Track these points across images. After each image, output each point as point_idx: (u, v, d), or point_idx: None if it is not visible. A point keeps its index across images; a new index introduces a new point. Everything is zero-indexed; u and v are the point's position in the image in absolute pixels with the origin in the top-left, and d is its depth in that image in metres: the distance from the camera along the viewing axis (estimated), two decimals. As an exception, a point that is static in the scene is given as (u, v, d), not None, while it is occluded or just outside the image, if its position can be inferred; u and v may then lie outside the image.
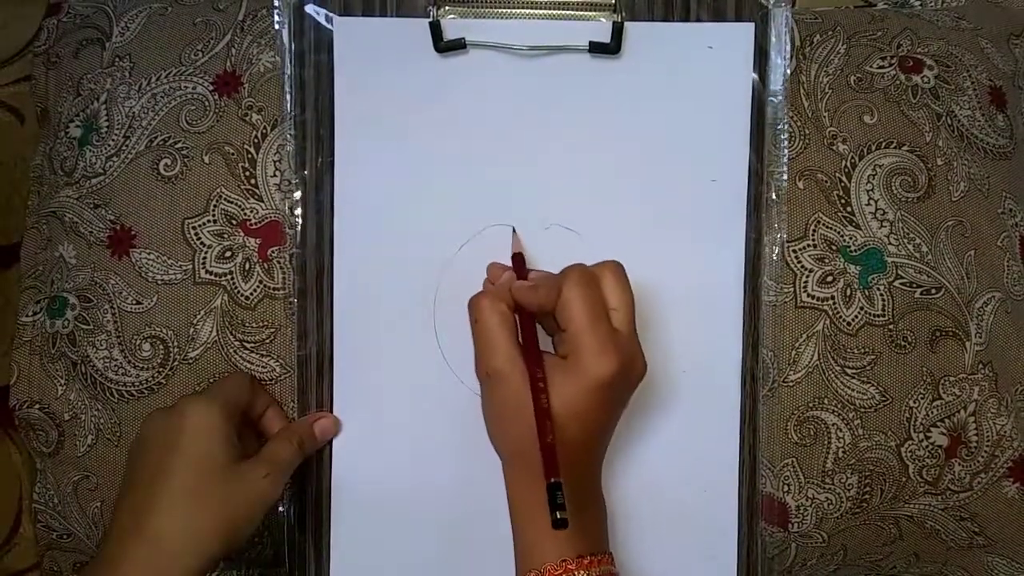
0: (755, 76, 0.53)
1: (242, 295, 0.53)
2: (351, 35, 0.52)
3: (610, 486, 0.52)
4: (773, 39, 0.53)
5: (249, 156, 0.53)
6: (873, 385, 0.53)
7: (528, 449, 0.43)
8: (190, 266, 0.53)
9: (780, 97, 0.53)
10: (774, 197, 0.53)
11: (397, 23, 0.52)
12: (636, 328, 0.45)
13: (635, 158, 0.53)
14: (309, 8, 0.52)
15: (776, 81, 0.53)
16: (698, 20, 0.53)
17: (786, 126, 0.53)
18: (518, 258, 0.50)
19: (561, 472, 0.41)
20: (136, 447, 0.47)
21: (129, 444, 0.53)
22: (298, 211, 0.53)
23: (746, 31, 0.52)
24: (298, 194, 0.52)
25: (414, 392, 0.53)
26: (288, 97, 0.52)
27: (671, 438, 0.53)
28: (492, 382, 0.45)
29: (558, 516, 0.41)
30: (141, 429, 0.47)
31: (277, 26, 0.52)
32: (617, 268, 0.46)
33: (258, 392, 0.51)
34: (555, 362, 0.44)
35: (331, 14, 0.52)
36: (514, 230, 0.52)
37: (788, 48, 0.53)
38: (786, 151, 0.53)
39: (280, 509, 0.53)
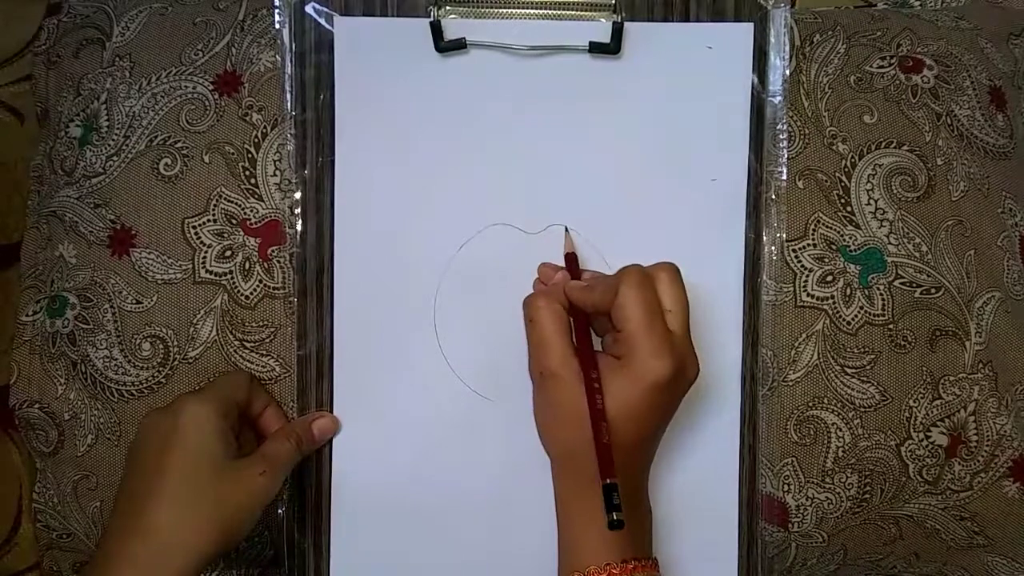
0: (754, 76, 0.53)
1: (242, 294, 0.53)
2: (351, 35, 0.52)
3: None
4: (772, 39, 0.53)
5: (249, 156, 0.53)
6: (873, 385, 0.53)
7: (579, 450, 0.43)
8: (190, 265, 0.53)
9: (779, 97, 0.53)
10: (773, 197, 0.53)
11: (397, 23, 0.52)
12: (690, 330, 0.45)
13: (635, 158, 0.53)
14: (310, 8, 0.52)
15: (775, 81, 0.53)
16: (698, 20, 0.53)
17: (785, 126, 0.53)
18: (571, 258, 0.50)
19: (615, 473, 0.41)
20: (133, 447, 0.47)
21: (129, 444, 0.53)
22: (298, 211, 0.53)
23: (745, 31, 0.53)
24: (298, 194, 0.53)
25: (414, 391, 0.53)
26: (288, 97, 0.52)
27: (671, 438, 0.53)
28: (546, 382, 0.45)
29: (615, 517, 0.40)
30: (138, 429, 0.47)
31: (278, 26, 0.52)
32: (672, 269, 0.46)
33: (257, 391, 0.51)
34: (609, 363, 0.44)
35: (332, 14, 0.52)
36: (567, 229, 0.52)
37: (787, 48, 0.53)
38: (785, 151, 0.53)
39: (280, 511, 0.53)
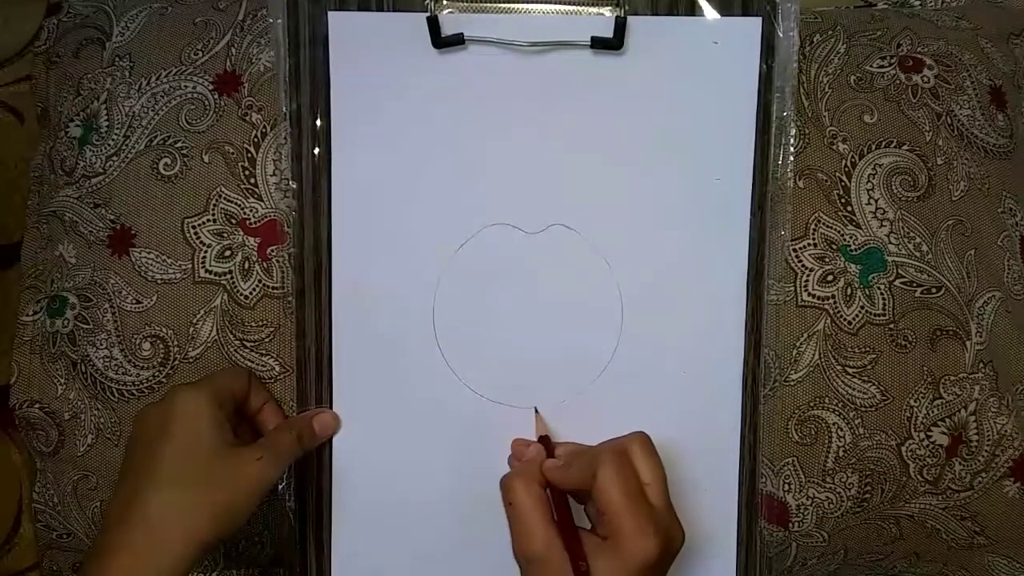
0: (762, 71, 0.52)
1: (241, 294, 0.53)
2: (347, 30, 0.51)
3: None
4: (781, 34, 0.52)
5: (249, 155, 0.53)
6: (874, 384, 0.53)
7: None
8: (190, 265, 0.53)
9: (787, 93, 0.52)
10: (778, 195, 0.53)
11: (394, 18, 0.51)
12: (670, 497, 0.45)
13: (638, 156, 0.52)
14: (304, 2, 0.51)
15: (782, 77, 0.52)
16: (704, 14, 0.51)
17: (792, 123, 0.53)
18: (545, 439, 0.50)
19: None
20: (129, 441, 0.47)
21: (124, 440, 0.53)
22: (295, 210, 0.52)
23: (753, 26, 0.51)
24: (294, 192, 0.52)
25: (413, 390, 0.53)
26: (283, 94, 0.52)
27: (671, 438, 0.53)
28: (532, 566, 0.44)
29: None
30: (133, 423, 0.47)
31: (271, 20, 0.51)
32: (645, 440, 0.46)
33: (256, 387, 0.51)
34: (595, 544, 0.43)
35: (325, 9, 0.51)
36: (536, 410, 0.52)
37: (796, 43, 0.52)
38: (792, 149, 0.53)
39: (289, 504, 0.53)
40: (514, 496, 0.45)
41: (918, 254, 0.53)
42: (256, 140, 0.53)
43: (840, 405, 0.53)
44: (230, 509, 0.44)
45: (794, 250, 0.53)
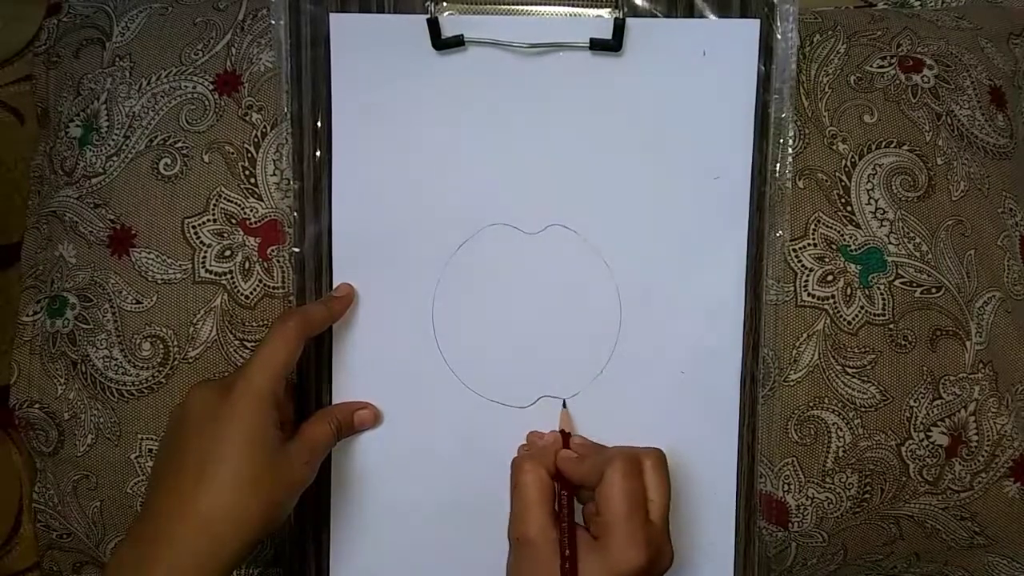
0: (760, 72, 0.52)
1: (242, 294, 0.53)
2: (347, 31, 0.51)
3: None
4: (779, 36, 0.52)
5: (249, 155, 0.53)
6: (873, 384, 0.53)
7: None
8: (190, 265, 0.53)
9: (786, 94, 0.52)
10: (777, 195, 0.53)
11: (394, 20, 0.51)
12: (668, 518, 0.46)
13: (637, 156, 0.52)
14: (305, 3, 0.51)
15: (781, 79, 0.52)
16: (702, 16, 0.51)
17: (791, 125, 0.53)
18: (565, 435, 0.51)
19: None
20: (182, 420, 0.45)
21: (124, 440, 0.53)
22: (296, 210, 0.52)
23: (751, 27, 0.51)
24: (295, 193, 0.52)
25: (413, 391, 0.53)
26: (284, 95, 0.52)
27: (671, 438, 0.53)
28: (522, 548, 0.45)
29: None
30: (188, 401, 0.45)
31: (273, 21, 0.51)
32: (658, 456, 0.46)
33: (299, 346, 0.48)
34: (587, 541, 0.44)
35: (326, 10, 0.51)
36: (564, 404, 0.52)
37: (794, 44, 0.52)
38: (790, 148, 0.53)
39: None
40: (521, 476, 0.46)
41: (918, 254, 0.53)
42: (256, 140, 0.53)
43: (840, 405, 0.53)
44: (277, 508, 0.44)
45: (794, 250, 0.53)
